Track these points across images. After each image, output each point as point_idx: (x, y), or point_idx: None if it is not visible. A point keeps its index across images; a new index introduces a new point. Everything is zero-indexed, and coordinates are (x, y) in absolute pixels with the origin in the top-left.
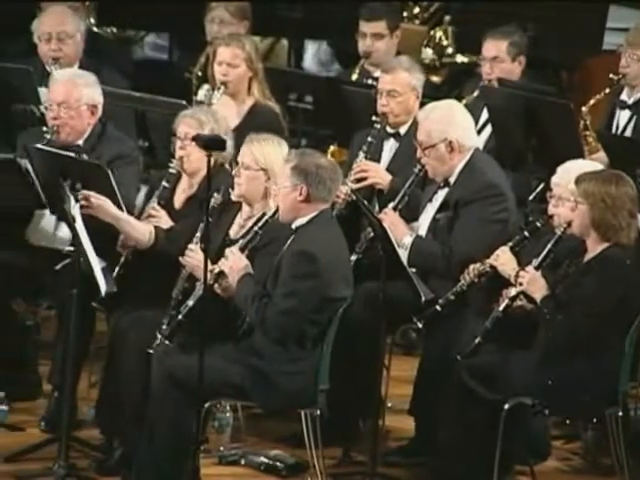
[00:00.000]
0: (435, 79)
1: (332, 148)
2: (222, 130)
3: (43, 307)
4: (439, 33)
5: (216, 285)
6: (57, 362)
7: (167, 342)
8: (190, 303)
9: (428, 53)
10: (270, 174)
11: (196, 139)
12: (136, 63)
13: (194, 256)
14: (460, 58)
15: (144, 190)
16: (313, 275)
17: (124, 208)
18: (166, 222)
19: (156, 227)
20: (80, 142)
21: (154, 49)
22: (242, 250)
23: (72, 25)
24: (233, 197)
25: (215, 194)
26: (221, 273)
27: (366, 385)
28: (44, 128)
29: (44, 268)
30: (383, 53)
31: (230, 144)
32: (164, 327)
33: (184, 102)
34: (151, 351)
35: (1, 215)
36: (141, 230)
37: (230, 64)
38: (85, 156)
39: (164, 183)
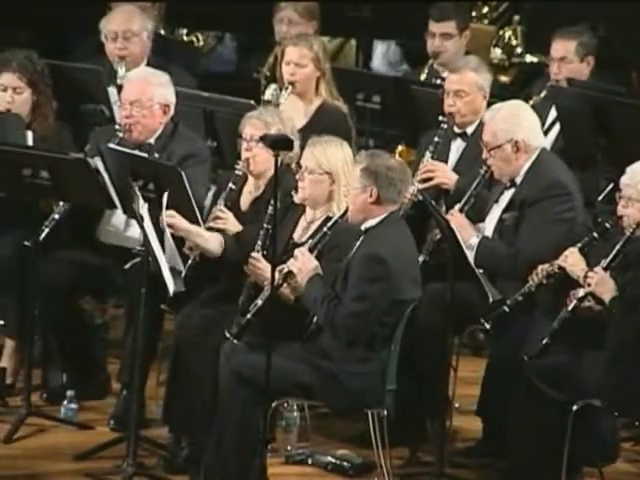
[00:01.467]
0: (504, 79)
1: (400, 148)
2: (288, 131)
3: (111, 305)
4: (508, 33)
5: (285, 285)
6: (125, 361)
7: (235, 341)
8: (259, 303)
9: (497, 53)
10: (334, 177)
11: (263, 139)
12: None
13: (256, 264)
14: (529, 58)
15: (212, 190)
16: (383, 278)
17: (196, 208)
18: (233, 224)
19: (224, 235)
20: (151, 141)
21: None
22: (311, 251)
23: (138, 24)
24: (296, 200)
25: (292, 194)
26: (290, 273)
27: (433, 386)
28: (116, 127)
29: (114, 267)
30: (452, 53)
31: (297, 144)
32: (233, 328)
33: (252, 102)
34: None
35: (72, 214)
36: (212, 242)
37: (298, 64)
38: (156, 155)
39: (230, 185)
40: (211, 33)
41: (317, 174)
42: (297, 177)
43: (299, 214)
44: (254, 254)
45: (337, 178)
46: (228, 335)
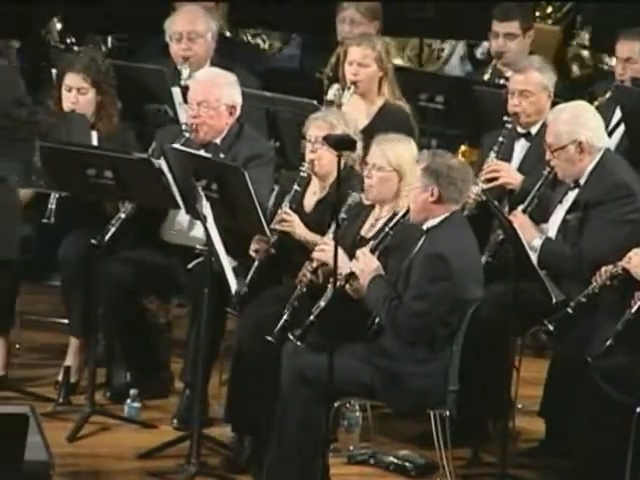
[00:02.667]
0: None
1: (462, 148)
2: (352, 132)
3: (174, 305)
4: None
5: (347, 286)
6: (189, 360)
7: (299, 343)
8: (322, 304)
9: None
10: (402, 174)
11: (327, 139)
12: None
13: (327, 249)
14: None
15: (275, 190)
16: (445, 277)
17: (259, 209)
18: (298, 226)
19: None
20: (217, 141)
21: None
22: (373, 251)
23: (203, 25)
24: (365, 200)
25: (354, 193)
26: (352, 274)
27: (496, 386)
28: (183, 127)
29: (177, 267)
30: (515, 53)
31: (360, 146)
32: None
33: (315, 102)
34: (269, 338)
35: (136, 214)
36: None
37: (361, 64)
38: (222, 155)
39: (295, 187)
40: (277, 35)
41: (385, 172)
42: (364, 174)
43: (368, 210)
44: (326, 239)
45: (404, 175)
46: (291, 337)
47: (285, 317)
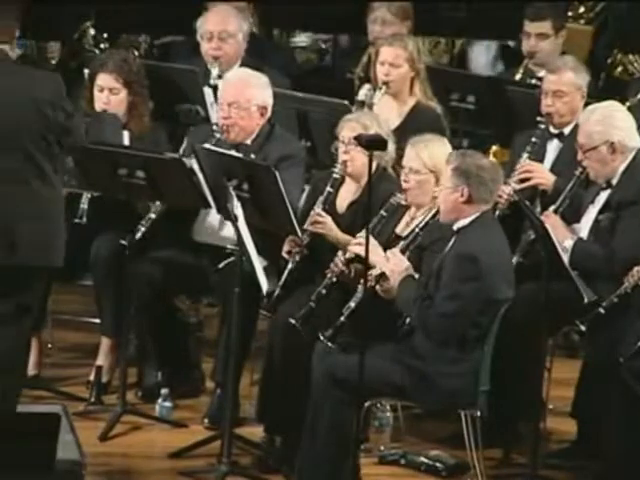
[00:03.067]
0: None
1: (494, 148)
2: (385, 134)
3: (205, 305)
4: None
5: (377, 286)
6: (220, 360)
7: (329, 344)
8: (352, 305)
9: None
10: (438, 175)
11: (358, 139)
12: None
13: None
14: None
15: (306, 190)
16: (475, 277)
17: (290, 210)
18: (331, 228)
19: None
20: (248, 142)
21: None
22: (403, 252)
23: (234, 25)
24: (403, 202)
25: (398, 194)
26: (382, 275)
27: (527, 387)
28: (214, 127)
29: (208, 266)
30: (547, 53)
31: (392, 147)
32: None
33: (346, 102)
34: (292, 321)
35: (167, 213)
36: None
37: (392, 64)
38: (253, 156)
39: (328, 188)
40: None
41: (422, 174)
42: (402, 178)
43: (405, 209)
44: (359, 235)
45: (441, 176)
46: (322, 338)
47: (311, 303)
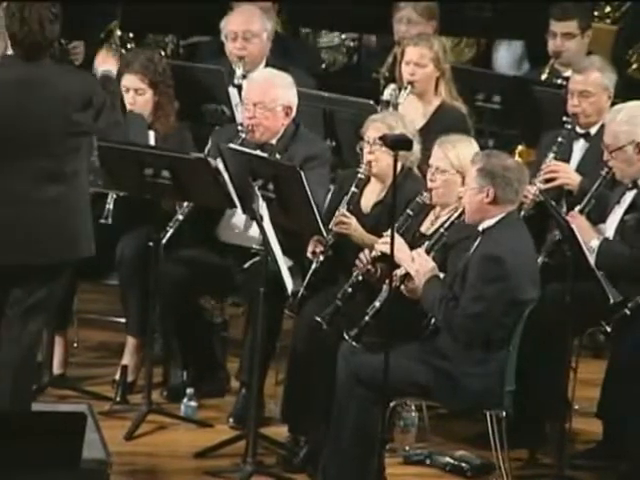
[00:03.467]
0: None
1: (520, 148)
2: (410, 134)
3: (229, 304)
4: None
5: (402, 286)
6: (245, 359)
7: (354, 344)
8: (377, 304)
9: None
10: (465, 176)
11: (383, 138)
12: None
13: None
14: None
15: (331, 190)
16: (501, 278)
17: (316, 210)
18: (355, 228)
19: None
20: (273, 142)
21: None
22: (428, 252)
23: (258, 24)
24: (428, 202)
25: (425, 193)
26: (407, 275)
27: (553, 387)
28: (239, 127)
29: (233, 266)
30: (573, 53)
31: (417, 148)
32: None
33: (371, 102)
34: (318, 319)
35: (193, 213)
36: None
37: (418, 64)
38: (278, 156)
39: (353, 188)
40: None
41: (449, 174)
42: (428, 178)
43: (429, 208)
44: (386, 234)
45: (467, 176)
46: (347, 338)
47: (338, 302)
